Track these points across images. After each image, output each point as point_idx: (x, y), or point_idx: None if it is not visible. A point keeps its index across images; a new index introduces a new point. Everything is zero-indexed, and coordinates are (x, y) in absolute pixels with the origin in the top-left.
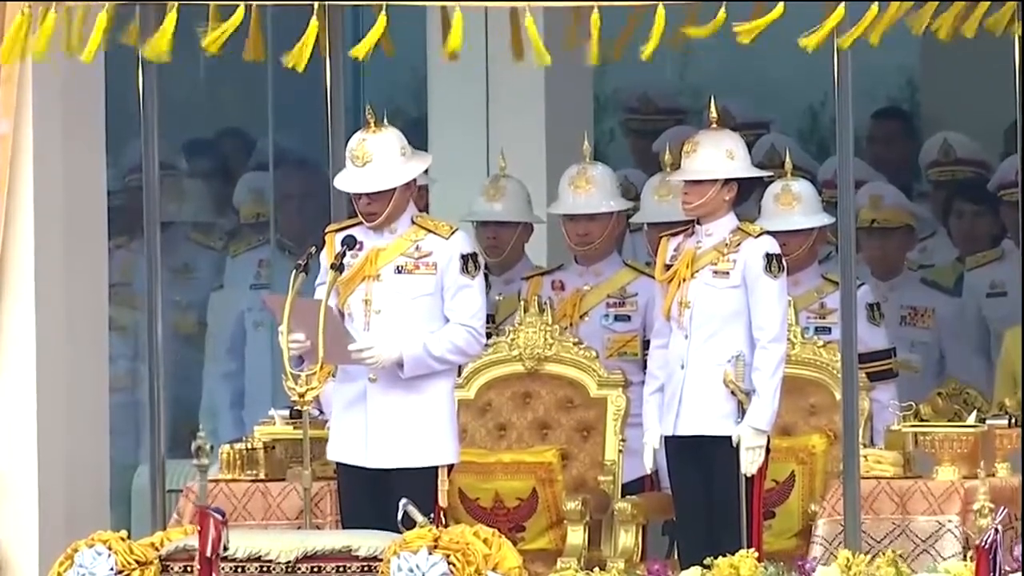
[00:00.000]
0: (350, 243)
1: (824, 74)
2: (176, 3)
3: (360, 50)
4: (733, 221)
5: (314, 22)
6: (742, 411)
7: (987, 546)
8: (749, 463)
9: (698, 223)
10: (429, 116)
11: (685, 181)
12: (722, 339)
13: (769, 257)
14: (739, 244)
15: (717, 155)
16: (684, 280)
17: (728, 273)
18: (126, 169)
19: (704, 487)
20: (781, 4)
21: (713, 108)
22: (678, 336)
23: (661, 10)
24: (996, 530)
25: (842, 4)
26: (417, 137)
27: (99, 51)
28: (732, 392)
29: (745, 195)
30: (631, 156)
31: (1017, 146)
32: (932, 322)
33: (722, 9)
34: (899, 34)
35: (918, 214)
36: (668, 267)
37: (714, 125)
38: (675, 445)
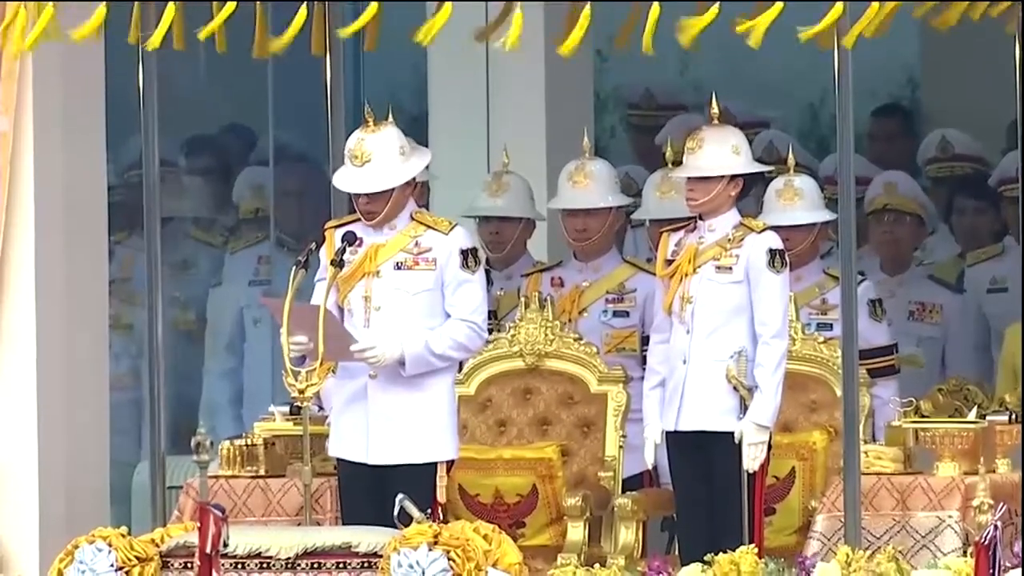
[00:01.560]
0: (350, 239)
1: (824, 71)
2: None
3: (347, 31)
4: (736, 217)
5: (303, 11)
6: (744, 407)
7: (986, 542)
8: (751, 459)
9: (700, 219)
10: (430, 113)
11: (690, 178)
12: (724, 334)
13: (772, 253)
14: (742, 239)
15: (722, 151)
16: (686, 275)
17: (731, 268)
18: (126, 165)
19: (705, 483)
20: (780, 2)
21: (715, 104)
22: (680, 331)
23: (656, 8)
24: (996, 526)
25: (840, 2)
26: (418, 134)
27: (98, 47)
28: (734, 388)
29: (745, 191)
30: (632, 152)
31: (1018, 142)
32: (940, 318)
33: (715, 6)
34: (900, 31)
35: (928, 207)
36: (669, 262)
37: (716, 121)
38: (676, 440)
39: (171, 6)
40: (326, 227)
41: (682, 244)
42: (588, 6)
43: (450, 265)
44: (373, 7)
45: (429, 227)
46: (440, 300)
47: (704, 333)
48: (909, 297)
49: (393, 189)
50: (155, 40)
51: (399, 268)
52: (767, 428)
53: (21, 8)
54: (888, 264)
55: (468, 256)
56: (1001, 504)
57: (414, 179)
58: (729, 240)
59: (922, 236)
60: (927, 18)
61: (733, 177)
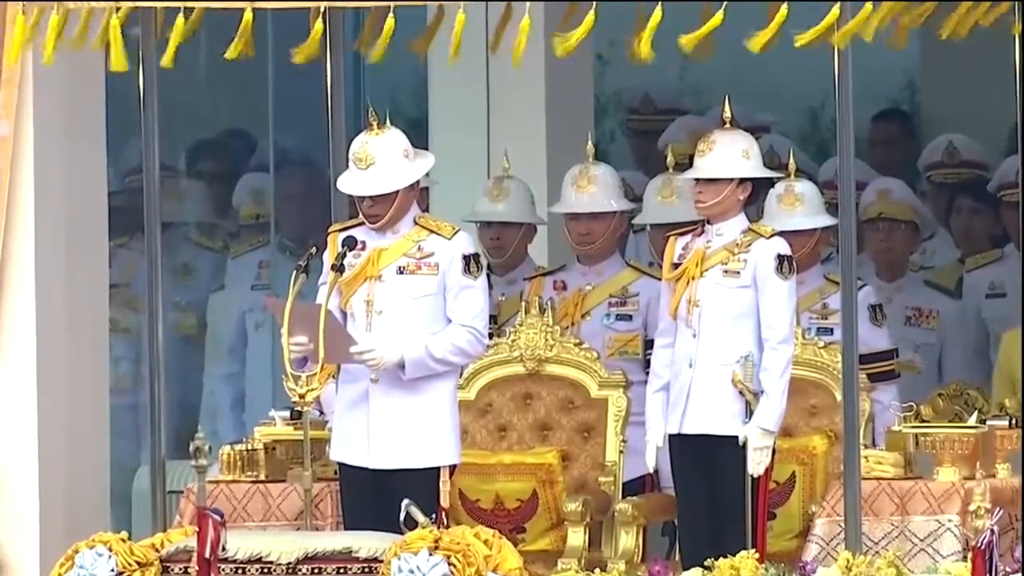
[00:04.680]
0: (350, 244)
1: (824, 75)
2: (182, 4)
3: (376, 54)
4: (744, 221)
5: (319, 25)
6: (749, 411)
7: (983, 547)
8: (756, 463)
9: (708, 222)
10: (430, 116)
11: (699, 180)
12: (731, 339)
13: (780, 258)
14: (750, 244)
15: (733, 154)
16: (693, 279)
17: (739, 273)
18: (127, 169)
19: (708, 487)
20: (784, 7)
21: (727, 108)
22: (686, 335)
23: (659, 10)
24: (992, 531)
25: (837, 4)
26: (417, 137)
27: (99, 51)
28: (740, 392)
29: (754, 197)
30: (631, 157)
31: (1018, 147)
32: (936, 323)
33: (719, 12)
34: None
35: (923, 213)
36: (676, 266)
37: (728, 125)
38: (680, 444)
39: (180, 22)
40: (329, 231)
41: (689, 248)
42: (592, 10)
43: (452, 270)
44: (391, 22)
45: (432, 232)
46: (442, 305)
47: (710, 337)
48: (906, 303)
49: (397, 192)
50: (167, 59)
51: (401, 272)
52: (772, 433)
53: (20, 13)
54: (884, 271)
55: (470, 262)
56: (998, 509)
57: (418, 182)
58: (737, 245)
59: (917, 242)
60: (933, 27)
61: (742, 181)
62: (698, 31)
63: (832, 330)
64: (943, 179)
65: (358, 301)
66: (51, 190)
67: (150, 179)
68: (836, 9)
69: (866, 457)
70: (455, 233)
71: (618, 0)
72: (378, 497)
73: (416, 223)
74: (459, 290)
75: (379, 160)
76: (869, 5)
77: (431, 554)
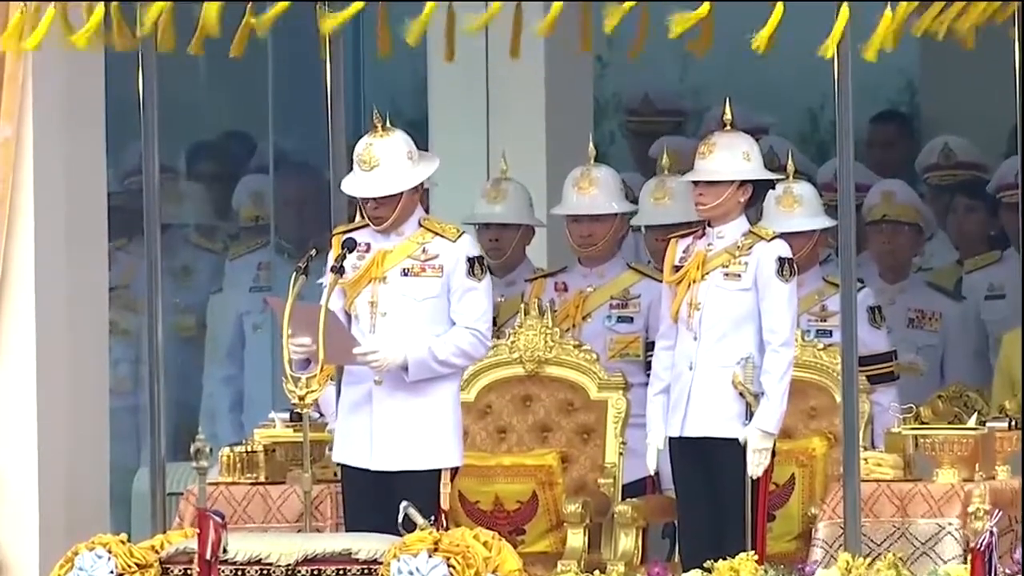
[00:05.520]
0: (350, 245)
1: (824, 76)
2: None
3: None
4: (745, 224)
5: (282, 4)
6: (749, 413)
7: (982, 548)
8: (756, 465)
9: (709, 225)
10: (429, 118)
11: (700, 182)
12: (732, 341)
13: (781, 261)
14: (751, 247)
15: (733, 157)
16: (695, 282)
17: (740, 275)
18: (126, 171)
19: (709, 488)
20: (780, 5)
21: (728, 110)
22: (687, 337)
23: (645, 9)
24: (991, 532)
25: (846, 4)
26: (417, 139)
27: (98, 53)
28: (741, 394)
29: (755, 199)
30: (631, 158)
31: (1017, 148)
32: (939, 325)
33: (705, 4)
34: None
35: (926, 215)
36: (677, 268)
37: (728, 127)
38: (681, 446)
39: (163, 5)
40: (334, 232)
41: (690, 250)
42: None
43: (456, 272)
44: (357, 6)
45: (437, 234)
46: (446, 307)
47: (712, 340)
48: (908, 304)
49: (401, 194)
50: (147, 27)
51: (406, 274)
52: (772, 435)
53: (21, 10)
54: (887, 273)
55: (475, 264)
56: (997, 510)
57: (422, 184)
58: (738, 247)
59: (920, 244)
60: (930, 31)
61: (743, 183)
62: (687, 17)
63: (831, 332)
64: (940, 181)
65: (362, 303)
66: (51, 191)
67: (150, 181)
68: (846, 9)
69: (865, 459)
70: (460, 235)
71: (618, 0)
72: (380, 499)
73: (421, 225)
74: (463, 292)
75: (383, 162)
76: (889, 14)
77: (431, 556)
